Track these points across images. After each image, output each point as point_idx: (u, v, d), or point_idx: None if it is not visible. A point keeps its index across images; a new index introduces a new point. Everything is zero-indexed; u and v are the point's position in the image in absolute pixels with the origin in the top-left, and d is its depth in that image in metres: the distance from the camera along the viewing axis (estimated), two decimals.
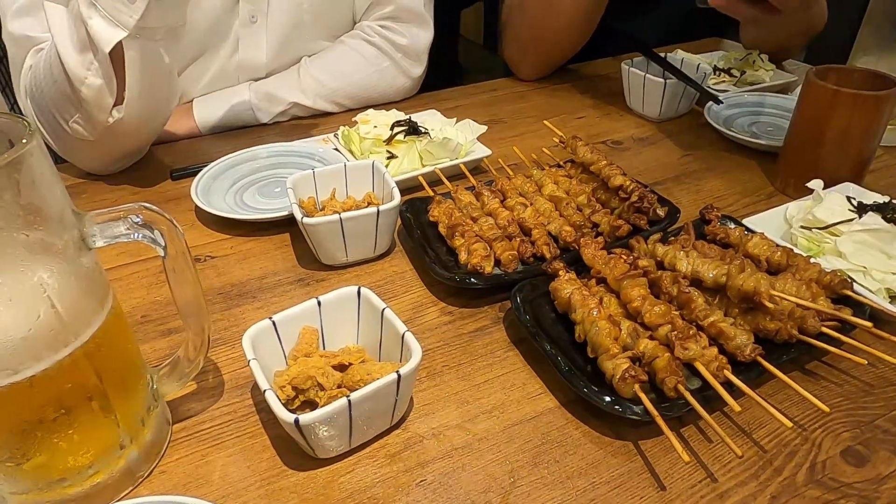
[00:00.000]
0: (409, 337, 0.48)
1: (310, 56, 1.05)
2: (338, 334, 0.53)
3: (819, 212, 0.65)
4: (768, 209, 0.74)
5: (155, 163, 0.92)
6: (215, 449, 0.49)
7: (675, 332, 0.50)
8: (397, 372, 0.44)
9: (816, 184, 0.69)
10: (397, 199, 0.66)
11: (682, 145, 0.95)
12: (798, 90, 0.78)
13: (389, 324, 0.50)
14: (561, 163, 0.82)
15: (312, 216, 0.69)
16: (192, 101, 1.02)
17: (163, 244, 0.42)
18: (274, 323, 0.50)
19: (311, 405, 0.48)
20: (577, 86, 1.19)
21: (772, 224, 0.69)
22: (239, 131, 1.02)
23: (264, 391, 0.44)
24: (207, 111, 1.00)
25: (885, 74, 0.74)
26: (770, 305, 0.53)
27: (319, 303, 0.52)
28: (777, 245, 0.63)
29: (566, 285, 0.58)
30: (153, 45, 0.69)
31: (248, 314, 0.63)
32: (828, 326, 0.54)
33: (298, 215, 0.64)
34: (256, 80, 1.04)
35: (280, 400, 0.43)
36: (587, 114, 1.07)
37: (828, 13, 1.18)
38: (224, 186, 0.82)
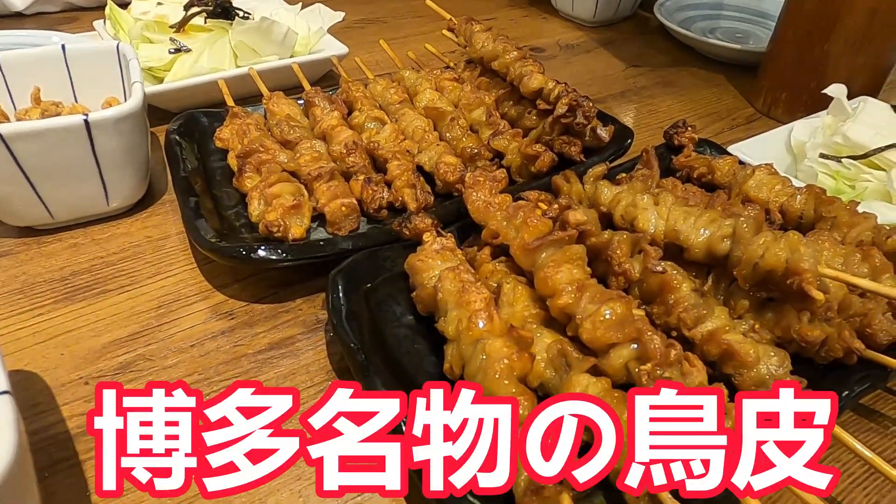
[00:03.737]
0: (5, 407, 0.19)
1: None
2: None
3: (853, 131, 0.40)
4: (750, 136, 0.49)
5: None
6: None
7: (648, 367, 0.23)
8: None
9: (838, 90, 0.45)
10: (137, 98, 0.36)
11: (625, 55, 0.69)
12: None
13: None
14: (451, 64, 0.53)
15: None
16: None
17: None
18: None
19: None
20: None
21: (769, 153, 0.44)
22: None
23: None
24: None
25: None
26: (818, 296, 0.27)
27: None
28: (796, 186, 0.37)
29: (434, 261, 0.30)
30: None
31: None
32: None
33: None
34: None
35: None
36: (500, 15, 0.80)
37: None
38: None
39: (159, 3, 0.54)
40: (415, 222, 0.32)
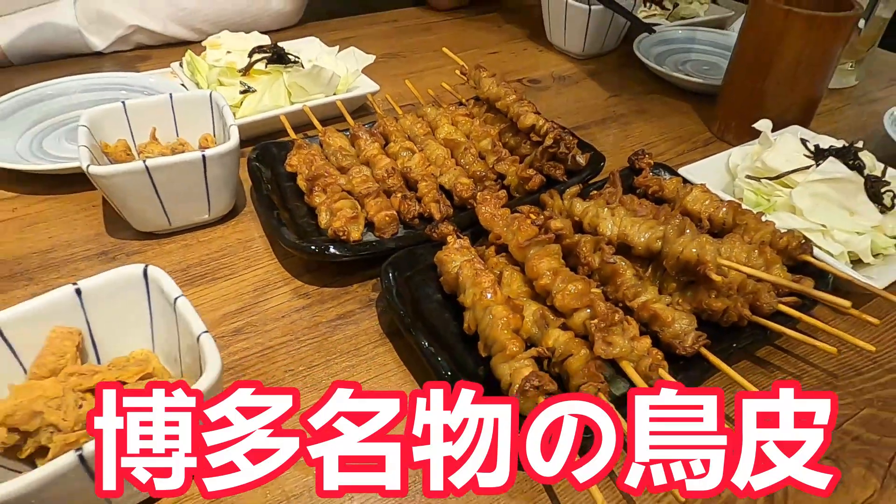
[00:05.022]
0: (207, 341, 0.32)
1: None
2: (120, 336, 0.37)
3: (770, 158, 0.53)
4: (705, 158, 0.61)
5: None
6: None
7: (596, 321, 0.36)
8: None
9: (764, 124, 0.57)
10: (235, 139, 0.49)
11: (608, 85, 0.82)
12: (736, 25, 0.66)
13: (184, 321, 0.33)
14: (464, 101, 0.66)
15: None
16: None
17: None
18: None
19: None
20: (495, 18, 1.03)
21: (711, 174, 0.57)
22: (66, 60, 0.81)
23: None
24: (17, 34, 0.77)
25: None
26: (717, 279, 0.40)
27: (79, 291, 0.34)
28: (721, 200, 0.50)
29: (455, 256, 0.43)
30: None
31: (15, 304, 0.44)
32: (784, 302, 0.42)
33: (85, 162, 0.45)
34: None
35: None
36: (502, 49, 0.92)
37: None
38: (17, 130, 0.61)
39: (228, 52, 0.67)
40: (440, 228, 0.45)
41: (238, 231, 0.53)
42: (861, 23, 0.74)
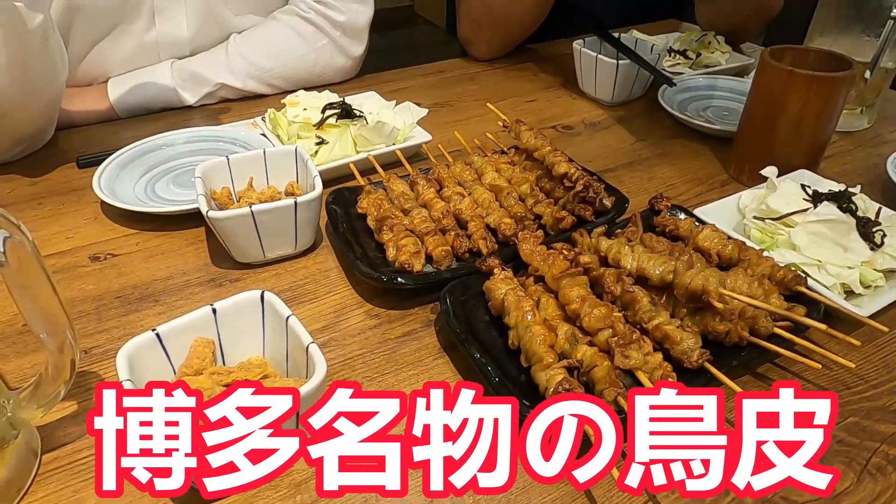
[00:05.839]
0: (314, 350, 0.42)
1: (240, 32, 0.97)
2: (240, 345, 0.47)
3: (772, 201, 0.61)
4: (721, 198, 0.70)
5: (60, 149, 0.83)
6: (89, 483, 0.42)
7: (616, 338, 0.45)
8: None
9: (770, 171, 0.65)
10: (319, 189, 0.59)
11: (634, 131, 0.91)
12: (756, 67, 0.74)
13: (294, 334, 0.44)
14: (505, 149, 0.76)
15: (226, 209, 0.62)
16: (107, 80, 0.93)
17: (0, 249, 0.35)
18: (158, 335, 0.43)
19: None
20: (531, 67, 1.13)
21: (725, 214, 0.65)
22: (162, 114, 0.94)
23: None
24: (124, 91, 0.91)
25: (842, 55, 0.70)
26: (719, 305, 0.48)
27: (215, 310, 0.45)
28: (728, 237, 0.58)
29: (501, 285, 0.52)
30: (11, 4, 0.60)
31: (147, 321, 0.56)
32: (781, 326, 0.50)
33: (204, 208, 0.57)
34: (180, 57, 0.95)
35: None
36: (539, 97, 1.02)
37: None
38: (134, 176, 0.73)
39: (304, 109, 0.79)
40: (488, 262, 0.55)
41: (318, 262, 0.63)
42: (867, 73, 0.82)
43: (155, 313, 0.57)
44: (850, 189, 0.62)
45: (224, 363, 0.47)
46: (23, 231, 0.37)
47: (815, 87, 0.67)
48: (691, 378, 0.47)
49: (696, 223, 0.61)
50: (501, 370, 0.47)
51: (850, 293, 0.56)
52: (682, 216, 0.64)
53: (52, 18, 0.70)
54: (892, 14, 0.76)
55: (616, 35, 0.99)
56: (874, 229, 0.58)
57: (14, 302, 0.37)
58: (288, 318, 0.44)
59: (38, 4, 0.64)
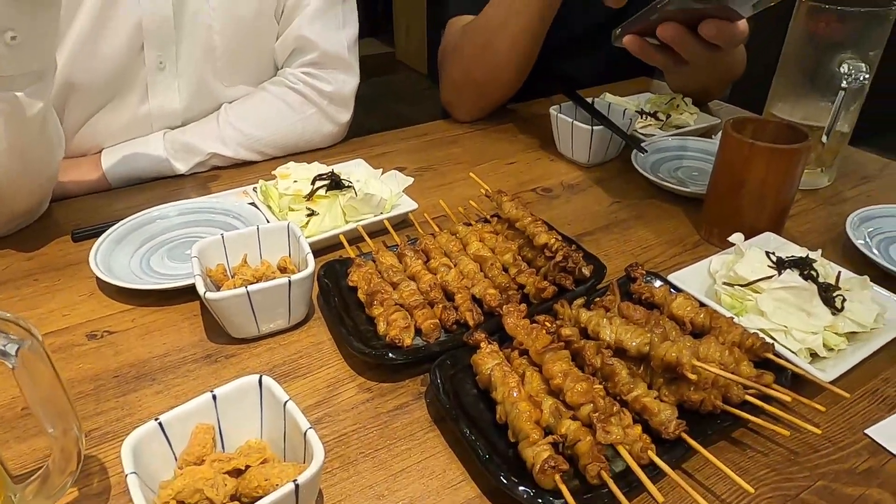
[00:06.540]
0: (312, 436, 0.44)
1: (230, 103, 1.01)
2: (239, 428, 0.49)
3: (740, 268, 0.64)
4: (694, 260, 0.73)
5: (55, 222, 0.85)
6: None
7: (597, 413, 0.48)
8: (294, 482, 0.40)
9: (737, 238, 0.70)
10: (311, 267, 0.62)
11: (611, 192, 0.95)
12: (721, 134, 0.79)
13: (292, 419, 0.46)
14: (488, 217, 0.80)
15: (221, 285, 0.64)
16: (101, 151, 0.95)
17: (13, 354, 0.37)
18: (161, 425, 0.45)
19: None
20: (511, 129, 1.18)
21: (697, 279, 0.69)
22: (154, 183, 0.96)
23: None
24: (117, 163, 0.94)
25: (798, 126, 0.76)
26: (692, 377, 0.51)
27: (215, 397, 0.47)
28: (700, 305, 0.62)
29: (487, 359, 0.55)
30: (12, 95, 0.63)
31: (145, 401, 0.57)
32: (751, 393, 0.53)
33: (201, 289, 0.59)
34: (173, 128, 0.98)
35: None
36: (519, 158, 1.06)
37: (747, 57, 1.23)
38: (129, 250, 0.76)
39: (295, 181, 0.83)
40: (475, 336, 0.57)
41: (311, 335, 0.66)
42: (824, 137, 0.87)
43: (153, 392, 0.59)
44: (811, 255, 0.66)
45: (223, 446, 0.48)
46: (34, 334, 0.39)
47: (774, 158, 0.72)
48: (669, 448, 0.49)
49: (671, 290, 0.65)
50: (490, 445, 0.50)
51: (815, 356, 0.59)
52: (658, 283, 0.67)
53: (51, 102, 0.74)
54: (842, 85, 0.82)
55: (590, 100, 1.05)
56: (834, 294, 0.62)
57: (22, 395, 0.39)
58: (286, 403, 0.46)
59: (39, 93, 0.67)
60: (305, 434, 0.44)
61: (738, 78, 1.22)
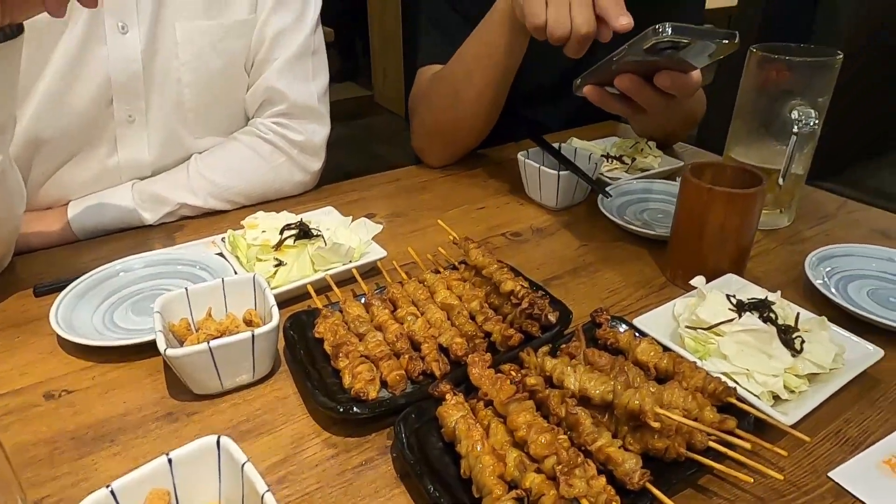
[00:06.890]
0: (269, 499, 0.43)
1: (200, 153, 1.01)
2: (196, 492, 0.47)
3: (702, 311, 0.65)
4: (661, 301, 0.74)
5: (17, 276, 0.84)
6: None
7: (561, 466, 0.47)
8: None
9: (699, 281, 0.71)
10: (275, 320, 0.62)
11: (579, 235, 0.97)
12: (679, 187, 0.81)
13: (249, 481, 0.45)
14: (456, 263, 0.80)
15: (185, 340, 0.64)
16: (67, 203, 0.95)
17: None
18: (113, 492, 0.43)
19: None
20: (481, 173, 1.20)
21: (662, 322, 0.69)
22: (121, 234, 0.96)
23: None
24: (84, 214, 0.94)
25: (754, 171, 0.78)
26: (655, 425, 0.51)
27: (171, 460, 0.46)
28: (665, 349, 0.62)
29: (452, 411, 0.54)
30: None
31: (101, 464, 0.56)
32: (714, 439, 0.53)
33: (162, 346, 0.58)
34: (142, 178, 0.98)
35: None
36: (488, 203, 1.08)
37: (710, 100, 1.27)
38: (92, 305, 0.75)
39: (263, 231, 0.83)
40: (440, 388, 0.57)
41: (276, 389, 0.65)
42: (780, 180, 0.90)
43: (110, 454, 0.57)
44: (770, 297, 0.68)
45: None
46: None
47: (732, 202, 0.74)
48: (635, 499, 0.49)
49: (636, 335, 0.65)
50: (456, 502, 0.49)
51: (778, 398, 0.60)
52: (623, 327, 0.68)
53: (10, 156, 0.73)
54: (794, 130, 0.85)
55: (557, 145, 1.08)
56: (794, 336, 0.63)
57: None
58: (244, 465, 0.45)
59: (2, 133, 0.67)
60: (263, 497, 0.43)
61: (699, 121, 1.26)
